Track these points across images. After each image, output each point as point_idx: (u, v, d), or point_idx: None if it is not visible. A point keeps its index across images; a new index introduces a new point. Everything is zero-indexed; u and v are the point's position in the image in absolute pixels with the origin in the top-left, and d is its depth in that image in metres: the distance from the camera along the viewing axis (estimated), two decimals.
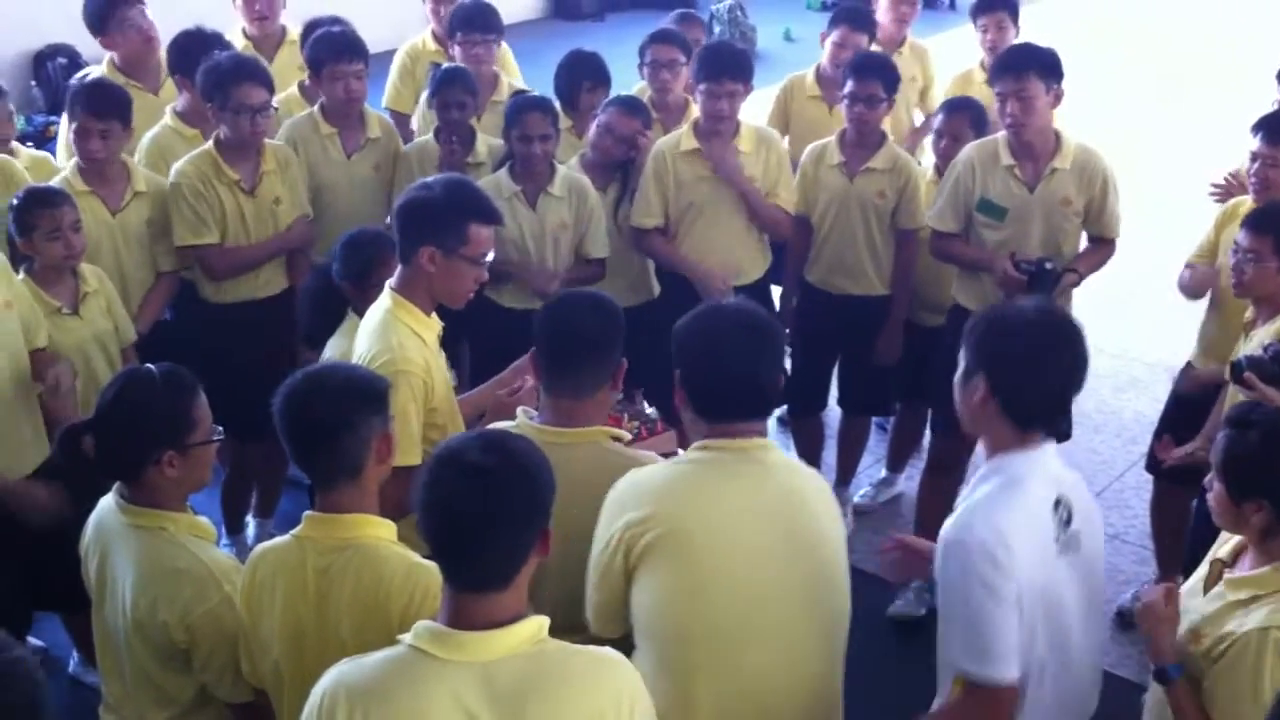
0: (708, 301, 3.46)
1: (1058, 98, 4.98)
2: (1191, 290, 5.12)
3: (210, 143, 5.21)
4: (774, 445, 3.23)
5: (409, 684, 2.41)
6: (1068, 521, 3.01)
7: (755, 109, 6.69)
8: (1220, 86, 12.17)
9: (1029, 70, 4.87)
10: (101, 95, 5.10)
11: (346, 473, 2.98)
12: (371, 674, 2.46)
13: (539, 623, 2.48)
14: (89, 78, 5.63)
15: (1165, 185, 9.17)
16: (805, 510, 3.16)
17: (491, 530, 2.45)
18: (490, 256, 3.84)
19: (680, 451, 3.86)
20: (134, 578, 3.20)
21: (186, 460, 3.23)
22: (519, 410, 3.47)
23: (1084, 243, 5.21)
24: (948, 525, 2.97)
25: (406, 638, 2.47)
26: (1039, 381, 2.98)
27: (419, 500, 2.51)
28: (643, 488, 3.12)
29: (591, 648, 2.54)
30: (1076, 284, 5.09)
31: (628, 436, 3.51)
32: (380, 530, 3.03)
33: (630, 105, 5.50)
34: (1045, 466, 3.02)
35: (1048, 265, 4.92)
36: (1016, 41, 6.53)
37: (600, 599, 3.16)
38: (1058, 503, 3.00)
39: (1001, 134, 5.11)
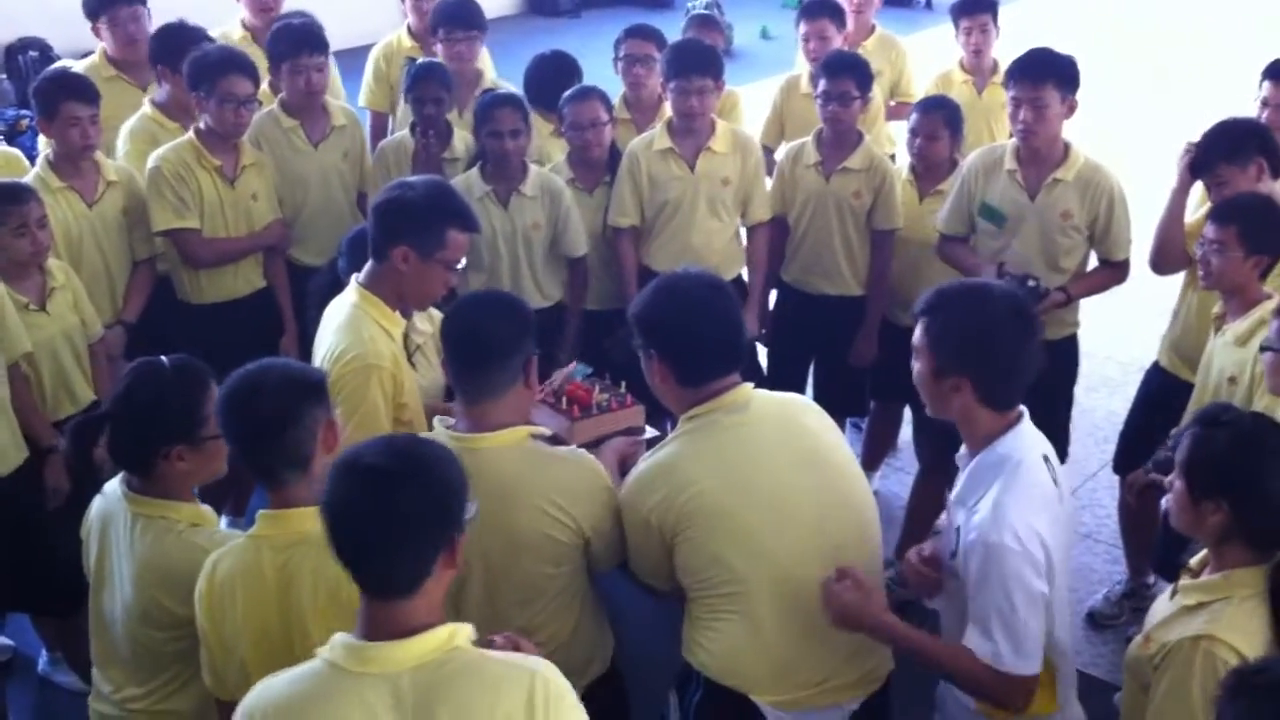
0: (659, 279, 3.45)
1: (1071, 109, 4.92)
2: (1157, 243, 4.95)
3: (191, 133, 5.22)
4: (750, 387, 3.33)
5: (323, 699, 2.39)
6: (1054, 476, 3.18)
7: (754, 109, 6.71)
8: (1201, 82, 12.20)
9: (1047, 79, 4.82)
10: (82, 83, 5.13)
11: (296, 465, 3.00)
12: (288, 690, 2.43)
13: (450, 630, 2.43)
14: (58, 71, 5.60)
15: (1141, 184, 9.14)
16: (804, 430, 3.36)
17: (388, 534, 2.40)
18: (463, 264, 3.84)
19: (649, 429, 4.01)
20: (136, 566, 3.22)
21: (198, 454, 3.25)
22: (435, 420, 3.44)
23: (1094, 263, 5.13)
24: (980, 526, 3.03)
25: (323, 651, 2.44)
26: (1022, 370, 3.14)
27: (324, 502, 2.47)
28: (651, 475, 3.27)
29: (507, 654, 2.51)
30: (1063, 304, 5.02)
31: (548, 433, 3.50)
32: None
33: (582, 92, 5.46)
34: (1030, 435, 3.19)
35: (1030, 283, 4.88)
36: (996, 47, 6.56)
37: (647, 566, 3.37)
38: (1046, 460, 3.17)
39: (1010, 140, 5.08)
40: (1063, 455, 5.28)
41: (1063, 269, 5.04)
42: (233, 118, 5.11)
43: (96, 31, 5.93)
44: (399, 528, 2.40)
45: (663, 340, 3.29)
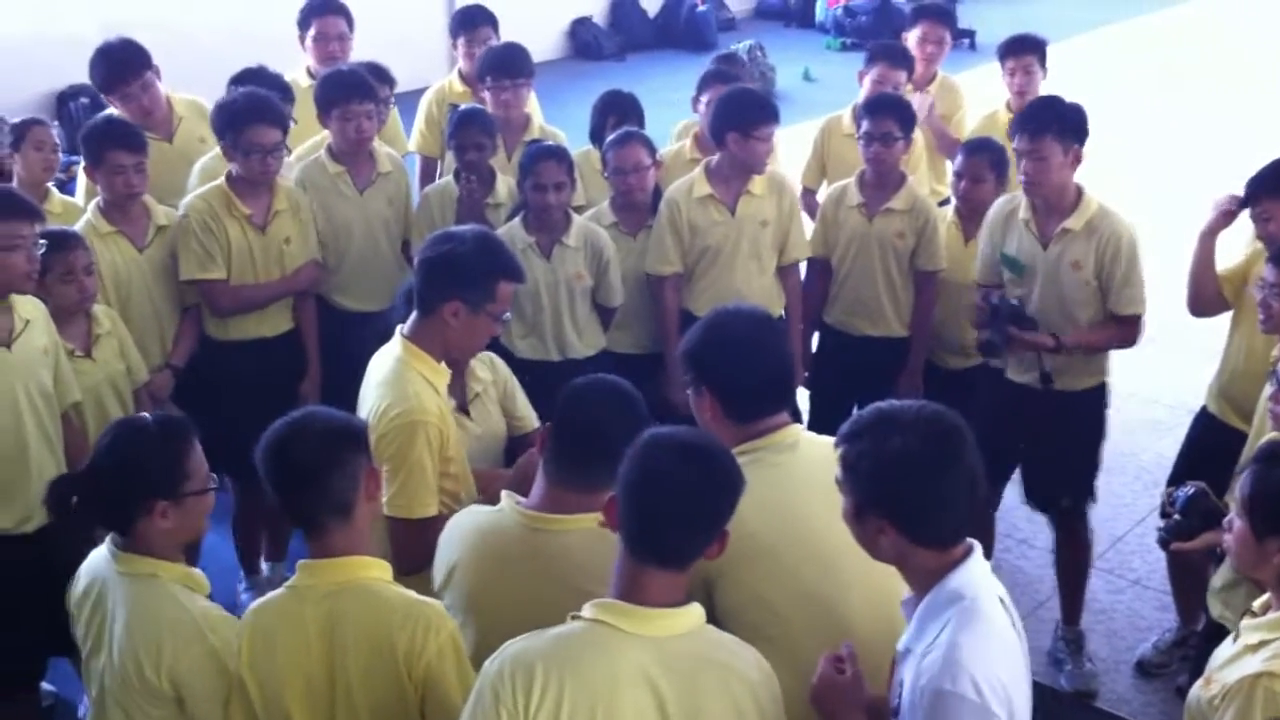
0: (710, 315, 3.44)
1: (1077, 159, 4.80)
2: (1191, 288, 4.93)
3: (223, 179, 5.23)
4: (799, 428, 3.33)
5: (600, 653, 2.59)
6: (1013, 619, 2.77)
7: (800, 151, 6.70)
8: (1255, 116, 12.08)
9: (1046, 132, 4.72)
10: (128, 130, 5.17)
11: (339, 512, 2.99)
12: (561, 644, 2.62)
13: (701, 609, 2.72)
14: (106, 118, 5.65)
15: (1186, 219, 9.04)
16: None
17: (698, 503, 2.67)
18: (508, 315, 3.84)
19: None
20: (121, 625, 3.19)
21: (180, 510, 3.23)
22: (504, 494, 3.31)
23: None
24: (930, 670, 2.61)
25: (585, 613, 2.64)
26: (950, 503, 2.70)
27: (628, 471, 2.67)
28: None
29: (732, 636, 2.79)
30: (1052, 350, 4.84)
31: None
32: (376, 570, 3.04)
33: (625, 137, 5.45)
34: (984, 572, 2.76)
35: (1014, 301, 4.83)
36: (1043, 88, 6.51)
37: None
38: (1001, 603, 2.76)
39: None
40: (1082, 506, 5.22)
41: (1079, 321, 4.90)
42: (259, 167, 5.11)
43: (111, 103, 5.93)
44: (709, 498, 2.69)
45: (713, 375, 3.28)
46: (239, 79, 5.78)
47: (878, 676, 3.13)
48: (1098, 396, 5.13)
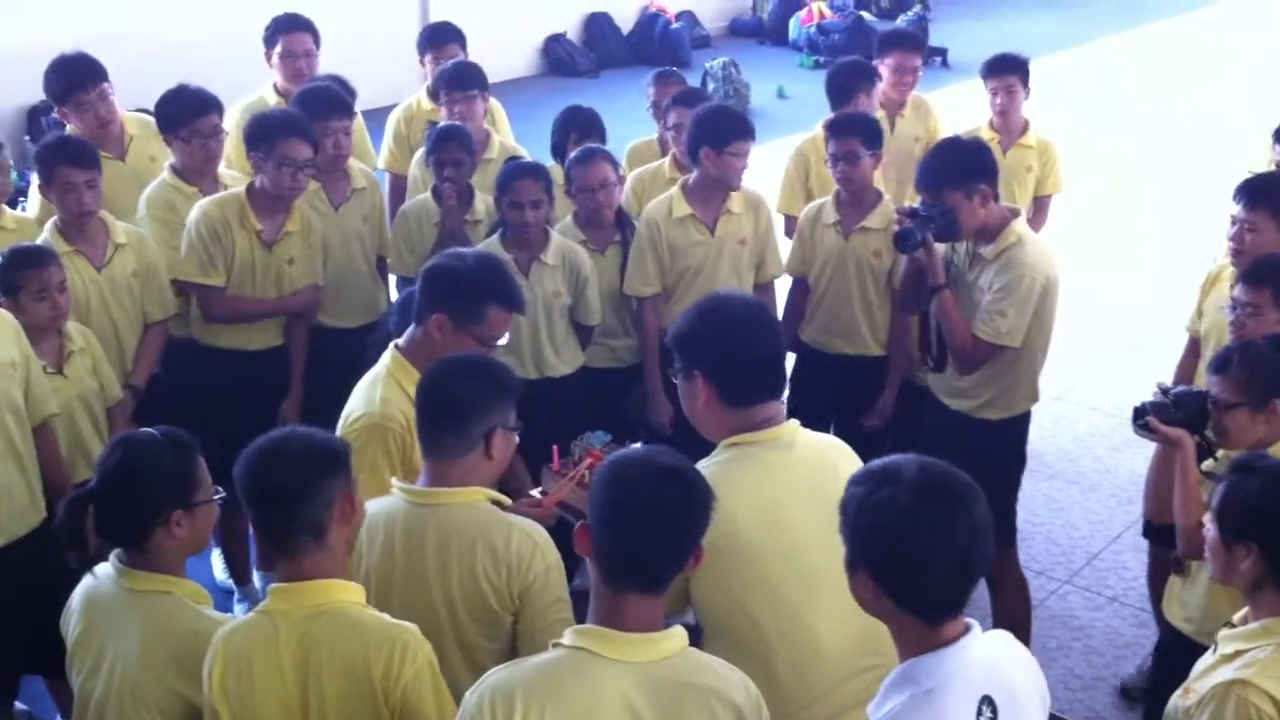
0: (701, 300, 3.43)
1: (985, 198, 4.63)
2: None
3: (243, 189, 5.23)
4: (796, 424, 3.29)
5: (581, 681, 2.57)
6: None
7: (774, 168, 6.67)
8: (1236, 136, 12.15)
9: (942, 186, 4.63)
10: (79, 148, 5.10)
11: (311, 535, 2.96)
12: (542, 673, 2.60)
13: (683, 629, 2.69)
14: (56, 135, 5.56)
15: (1162, 239, 9.16)
16: (838, 478, 3.13)
17: (678, 526, 2.65)
18: (504, 341, 3.84)
19: None
20: (139, 645, 3.16)
21: (193, 519, 3.23)
22: (393, 480, 3.40)
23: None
24: None
25: (566, 640, 2.62)
26: (933, 570, 2.50)
27: (602, 500, 2.63)
28: None
29: (718, 658, 2.76)
30: (937, 283, 4.70)
31: (508, 501, 3.42)
32: (350, 594, 3.02)
33: (589, 154, 5.43)
34: (965, 665, 2.51)
35: (928, 215, 4.63)
36: (1025, 108, 6.54)
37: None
38: (982, 705, 2.50)
39: None
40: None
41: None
42: (290, 181, 5.10)
43: (64, 115, 5.80)
44: (687, 520, 2.67)
45: (707, 358, 3.24)
46: (162, 103, 5.54)
47: (840, 700, 3.14)
48: (1010, 430, 4.95)
